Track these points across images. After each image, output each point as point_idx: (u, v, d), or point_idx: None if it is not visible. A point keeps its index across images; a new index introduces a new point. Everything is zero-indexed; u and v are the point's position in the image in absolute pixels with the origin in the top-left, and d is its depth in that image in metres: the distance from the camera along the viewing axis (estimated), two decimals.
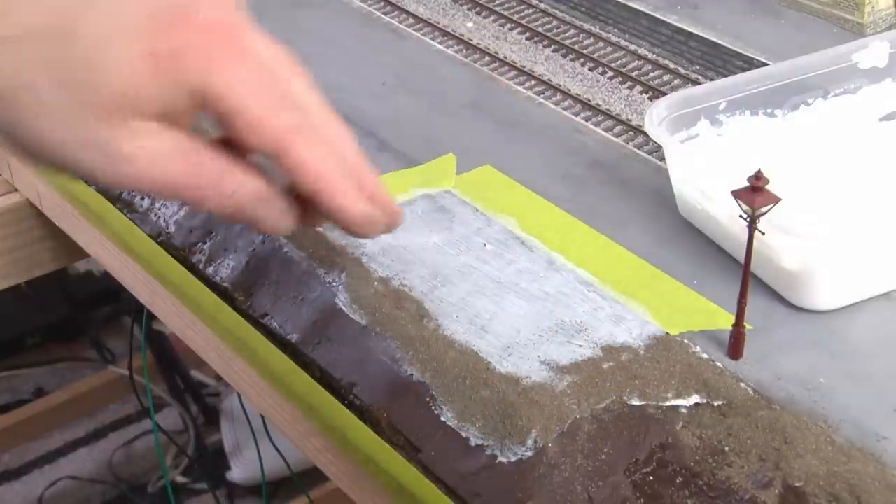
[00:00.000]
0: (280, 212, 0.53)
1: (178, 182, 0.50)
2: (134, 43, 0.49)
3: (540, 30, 0.84)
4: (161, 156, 0.50)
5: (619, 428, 0.51)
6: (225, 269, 0.64)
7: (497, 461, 0.51)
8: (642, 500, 0.49)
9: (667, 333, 0.56)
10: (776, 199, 0.51)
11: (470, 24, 0.85)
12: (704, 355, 0.55)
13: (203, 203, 0.51)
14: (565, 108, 0.75)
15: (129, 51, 0.48)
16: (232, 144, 0.52)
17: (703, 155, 0.65)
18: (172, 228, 0.68)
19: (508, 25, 0.85)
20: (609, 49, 0.81)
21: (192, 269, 0.65)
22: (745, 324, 0.54)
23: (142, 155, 0.50)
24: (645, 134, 0.70)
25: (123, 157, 0.49)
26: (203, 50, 0.50)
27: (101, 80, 0.48)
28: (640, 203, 0.66)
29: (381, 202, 0.53)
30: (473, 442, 0.52)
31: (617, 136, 0.72)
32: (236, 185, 0.51)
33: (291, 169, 0.51)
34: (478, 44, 0.82)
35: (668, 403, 0.52)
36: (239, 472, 1.77)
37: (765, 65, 0.75)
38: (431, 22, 0.85)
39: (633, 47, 0.81)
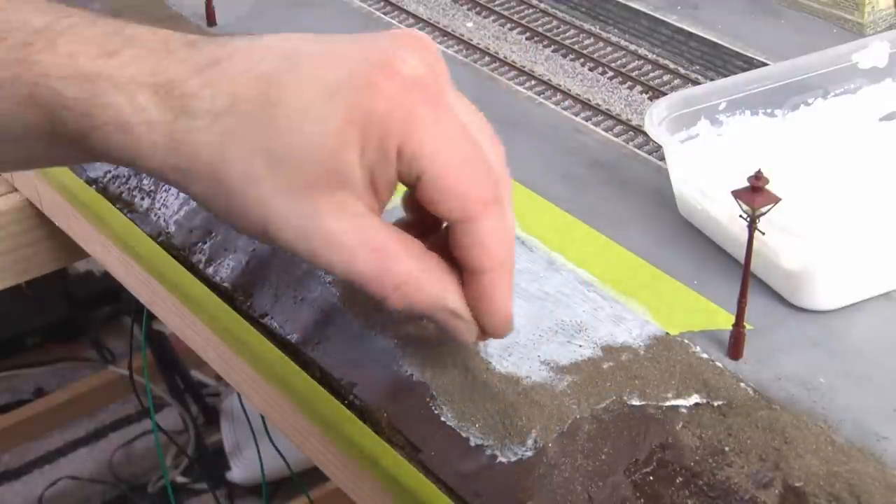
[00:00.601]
0: (463, 330, 0.50)
1: (369, 280, 0.48)
2: (337, 107, 0.46)
3: (540, 30, 0.84)
4: (357, 247, 0.47)
5: (619, 428, 0.51)
6: (225, 269, 0.64)
7: (497, 461, 0.51)
8: (642, 500, 0.49)
9: (667, 333, 0.56)
10: (776, 199, 0.51)
11: (470, 24, 0.85)
12: (704, 355, 0.55)
13: (386, 303, 0.48)
14: (565, 108, 0.75)
15: (333, 116, 0.46)
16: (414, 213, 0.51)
17: (703, 155, 0.65)
18: (172, 228, 0.68)
19: (508, 25, 0.85)
20: (609, 49, 0.81)
21: (192, 269, 0.65)
22: (745, 324, 0.54)
23: (342, 242, 0.47)
24: (645, 134, 0.70)
25: (324, 239, 0.47)
26: (406, 108, 0.47)
27: (305, 149, 0.46)
28: (640, 203, 0.66)
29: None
30: (473, 442, 0.52)
31: (617, 136, 0.72)
32: (423, 295, 0.49)
33: (470, 244, 0.48)
34: (478, 44, 0.83)
35: (668, 403, 0.52)
36: (239, 472, 1.77)
37: (765, 65, 0.75)
38: (431, 22, 0.85)
39: (633, 47, 0.81)
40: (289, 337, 0.60)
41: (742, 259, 0.53)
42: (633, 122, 0.73)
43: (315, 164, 0.46)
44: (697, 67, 0.78)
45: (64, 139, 0.47)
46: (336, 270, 0.48)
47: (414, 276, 0.48)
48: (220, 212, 0.48)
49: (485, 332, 0.51)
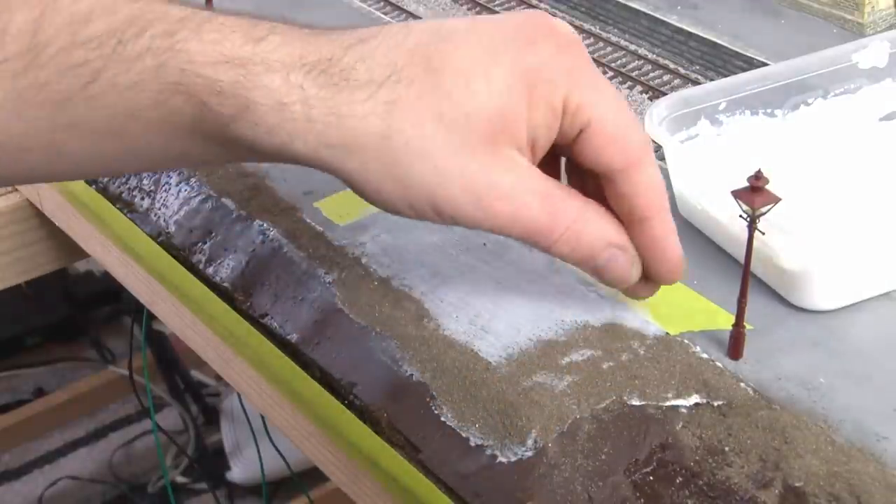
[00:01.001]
0: (627, 263, 0.52)
1: (539, 227, 0.50)
2: (501, 64, 0.48)
3: None
4: (528, 196, 0.49)
5: (619, 428, 0.51)
6: (225, 269, 0.64)
7: (497, 461, 0.51)
8: (642, 500, 0.49)
9: (667, 333, 0.56)
10: (776, 199, 0.51)
11: None
12: (704, 355, 0.55)
13: (552, 249, 0.51)
14: None
15: (497, 73, 0.48)
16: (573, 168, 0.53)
17: (703, 155, 0.65)
18: (172, 228, 0.68)
19: None
20: (609, 49, 0.81)
21: (192, 269, 0.65)
22: (745, 324, 0.54)
23: (512, 194, 0.49)
24: None
25: (496, 194, 0.48)
26: (565, 63, 0.49)
27: (475, 108, 0.47)
28: None
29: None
30: (473, 442, 0.52)
31: None
32: (589, 233, 0.51)
33: (635, 191, 0.50)
34: None
35: (668, 403, 0.52)
36: (239, 472, 1.78)
37: (765, 65, 0.75)
38: None
39: (633, 47, 0.81)
40: (289, 337, 0.60)
41: (742, 259, 0.53)
42: None
43: (485, 122, 0.48)
44: (697, 67, 0.78)
45: (208, 129, 0.47)
46: (503, 222, 0.49)
47: (581, 217, 0.50)
48: (379, 184, 0.48)
49: (657, 281, 0.54)
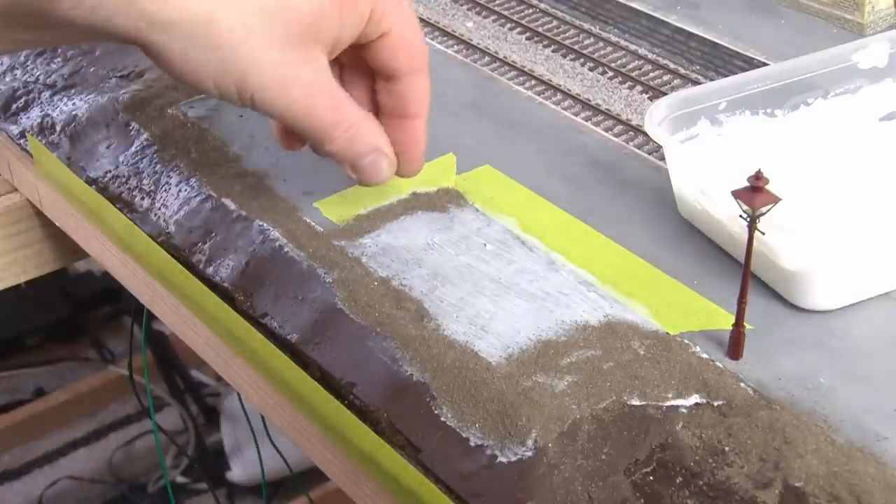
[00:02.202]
0: (388, 167, 0.60)
1: (325, 123, 0.56)
2: None
3: (540, 30, 0.84)
4: (321, 92, 0.55)
5: (619, 428, 0.51)
6: (225, 269, 0.64)
7: (497, 461, 0.51)
8: (642, 500, 0.49)
9: (667, 333, 0.56)
10: (776, 199, 0.51)
11: (470, 24, 0.85)
12: (704, 355, 0.55)
13: (330, 145, 0.57)
14: (565, 108, 0.75)
15: None
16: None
17: (703, 155, 0.65)
18: (172, 228, 0.68)
19: (508, 25, 0.85)
20: (609, 49, 0.81)
21: (192, 269, 0.65)
22: (745, 324, 0.54)
23: (311, 87, 0.55)
24: (645, 134, 0.70)
25: (298, 86, 0.54)
26: None
27: (295, 6, 0.53)
28: (640, 203, 0.66)
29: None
30: (473, 442, 0.52)
31: (617, 136, 0.72)
32: (365, 136, 0.58)
33: (412, 92, 0.59)
34: (478, 44, 0.83)
35: (668, 403, 0.52)
36: (239, 472, 1.78)
37: (765, 65, 0.75)
38: (431, 22, 0.85)
39: (633, 47, 0.81)
40: (289, 337, 0.60)
41: (742, 259, 0.53)
42: (633, 122, 0.73)
43: (302, 21, 0.53)
44: (697, 67, 0.78)
45: (27, 10, 0.48)
46: (296, 113, 0.56)
47: (360, 120, 0.58)
48: (194, 65, 0.52)
49: (401, 173, 0.62)
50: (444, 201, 0.65)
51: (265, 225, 0.64)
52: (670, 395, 0.52)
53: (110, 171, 0.73)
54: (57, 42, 0.54)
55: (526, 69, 0.79)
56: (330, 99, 0.56)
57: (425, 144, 0.61)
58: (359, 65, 0.60)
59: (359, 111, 0.58)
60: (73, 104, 0.78)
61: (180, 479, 1.86)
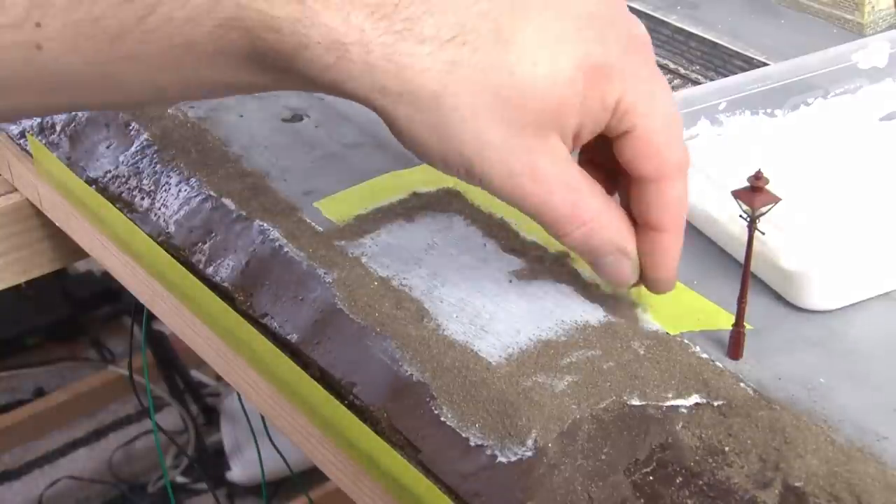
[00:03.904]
0: (630, 271, 0.54)
1: (559, 217, 0.51)
2: (569, 53, 0.48)
3: None
4: (558, 185, 0.50)
5: (619, 428, 0.51)
6: (225, 269, 0.64)
7: (497, 461, 0.51)
8: (642, 500, 0.49)
9: (667, 333, 0.56)
10: (776, 199, 0.51)
11: None
12: (704, 355, 0.55)
13: (564, 239, 0.52)
14: None
15: (564, 62, 0.48)
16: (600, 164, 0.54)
17: (703, 155, 0.65)
18: (172, 228, 0.68)
19: None
20: None
21: (192, 269, 0.65)
22: (745, 324, 0.54)
23: (546, 180, 0.50)
24: None
25: (530, 177, 0.50)
26: (629, 65, 0.50)
27: (533, 91, 0.48)
28: None
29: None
30: (473, 442, 0.52)
31: None
32: (604, 234, 0.52)
33: (658, 203, 0.52)
34: None
35: (668, 403, 0.52)
36: (239, 472, 1.78)
37: (765, 65, 0.75)
38: None
39: None
40: (289, 337, 0.60)
41: (742, 259, 0.53)
42: None
43: (539, 107, 0.48)
44: (697, 67, 0.78)
45: (265, 62, 0.47)
46: (528, 203, 0.50)
47: (600, 215, 0.52)
48: (421, 137, 0.49)
49: (647, 287, 0.56)
50: (444, 201, 0.65)
51: (265, 225, 0.65)
52: (670, 395, 0.52)
53: (110, 171, 0.73)
54: (299, 89, 0.51)
55: None
56: (567, 192, 0.50)
57: (674, 263, 0.54)
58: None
59: (601, 206, 0.52)
60: None
61: (180, 479, 1.86)
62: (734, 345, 0.55)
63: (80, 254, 0.84)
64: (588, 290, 0.59)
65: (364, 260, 0.61)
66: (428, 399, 0.54)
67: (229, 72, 0.48)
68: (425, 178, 0.66)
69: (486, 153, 0.49)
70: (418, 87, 0.47)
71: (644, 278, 0.55)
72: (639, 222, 0.53)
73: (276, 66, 0.47)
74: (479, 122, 0.48)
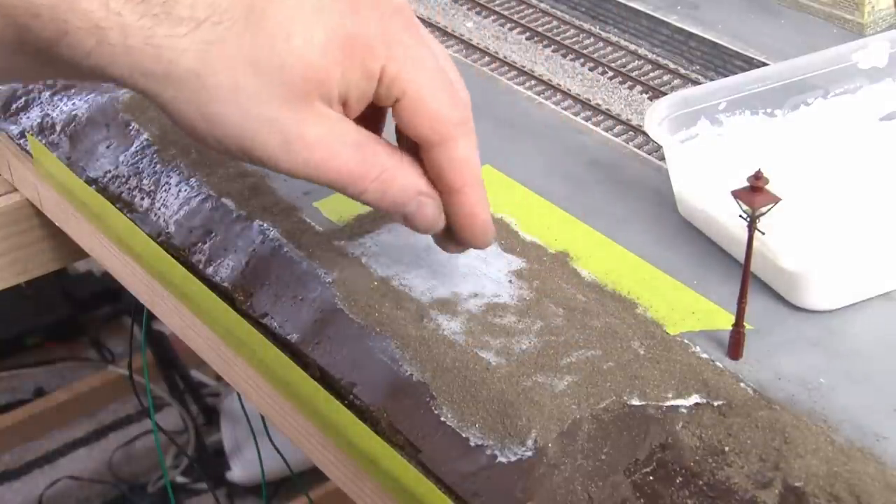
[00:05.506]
0: (435, 212, 0.54)
1: (350, 173, 0.52)
2: (324, 25, 0.49)
3: (540, 30, 0.84)
4: (338, 145, 0.51)
5: (619, 428, 0.51)
6: (225, 269, 0.64)
7: (497, 461, 0.51)
8: (642, 500, 0.49)
9: (667, 333, 0.56)
10: (776, 199, 0.51)
11: (470, 24, 0.85)
12: (704, 355, 0.55)
13: (362, 196, 0.53)
14: (565, 108, 0.75)
15: (319, 33, 0.49)
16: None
17: (703, 155, 0.65)
18: (172, 228, 0.68)
19: (508, 25, 0.85)
20: (609, 49, 0.81)
21: (192, 269, 0.65)
22: (745, 324, 0.54)
23: (323, 142, 0.51)
24: (645, 134, 0.70)
25: (305, 143, 0.50)
26: (388, 34, 0.50)
27: (290, 62, 0.49)
28: (640, 203, 0.66)
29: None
30: (473, 442, 0.52)
31: (617, 136, 0.72)
32: (400, 182, 0.53)
33: (446, 164, 0.53)
34: (478, 44, 0.83)
35: (668, 403, 0.52)
36: (239, 472, 1.78)
37: (765, 65, 0.75)
38: (431, 22, 0.85)
39: (633, 47, 0.81)
40: (289, 337, 0.60)
41: (742, 259, 0.53)
42: (633, 122, 0.73)
43: (299, 76, 0.49)
44: (697, 67, 0.78)
45: (30, 48, 0.48)
46: (312, 168, 0.51)
47: (391, 164, 0.52)
48: (191, 119, 0.50)
49: (469, 245, 0.57)
50: None
51: (265, 225, 0.65)
52: (670, 395, 0.52)
53: (110, 171, 0.73)
54: (67, 77, 0.52)
55: (526, 69, 0.79)
56: (350, 149, 0.51)
57: (487, 214, 0.55)
58: None
59: (391, 158, 0.52)
60: (73, 104, 0.78)
61: (180, 479, 1.86)
62: (734, 345, 0.55)
63: (80, 254, 0.84)
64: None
65: (364, 260, 0.61)
66: (428, 399, 0.54)
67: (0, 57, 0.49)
68: None
69: (256, 128, 0.50)
70: (179, 69, 0.48)
71: (460, 240, 0.56)
72: (438, 188, 0.54)
73: (41, 52, 0.48)
74: (242, 99, 0.49)
